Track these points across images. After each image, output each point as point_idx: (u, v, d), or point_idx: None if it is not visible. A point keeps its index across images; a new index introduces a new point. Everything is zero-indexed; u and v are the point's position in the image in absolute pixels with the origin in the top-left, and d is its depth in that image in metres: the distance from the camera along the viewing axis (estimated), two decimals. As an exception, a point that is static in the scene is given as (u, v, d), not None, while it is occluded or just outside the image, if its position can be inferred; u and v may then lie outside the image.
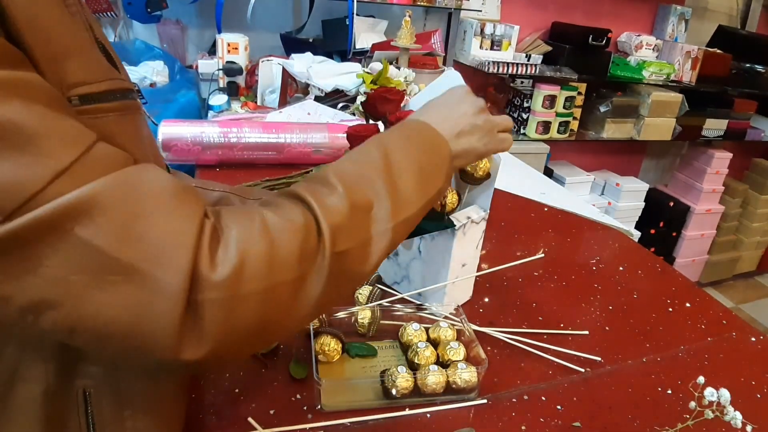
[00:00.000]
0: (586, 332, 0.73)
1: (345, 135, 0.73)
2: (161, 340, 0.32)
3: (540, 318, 0.75)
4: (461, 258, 0.70)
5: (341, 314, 0.67)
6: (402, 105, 0.73)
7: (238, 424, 0.54)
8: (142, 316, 0.31)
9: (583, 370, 0.66)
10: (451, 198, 0.66)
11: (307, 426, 0.54)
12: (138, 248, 0.31)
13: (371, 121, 0.74)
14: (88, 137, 0.32)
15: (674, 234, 2.95)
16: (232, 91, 1.60)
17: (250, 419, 0.54)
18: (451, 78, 0.70)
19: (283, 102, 1.53)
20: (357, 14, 1.79)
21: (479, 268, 0.78)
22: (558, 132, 2.45)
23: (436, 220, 0.68)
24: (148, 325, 0.31)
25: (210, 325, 0.33)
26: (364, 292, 0.71)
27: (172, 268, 0.31)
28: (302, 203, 0.41)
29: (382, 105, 0.71)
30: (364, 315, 0.65)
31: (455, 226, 0.66)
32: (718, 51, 2.57)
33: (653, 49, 2.59)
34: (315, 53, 1.59)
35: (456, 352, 0.60)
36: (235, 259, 0.33)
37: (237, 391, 0.57)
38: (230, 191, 0.71)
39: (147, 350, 0.32)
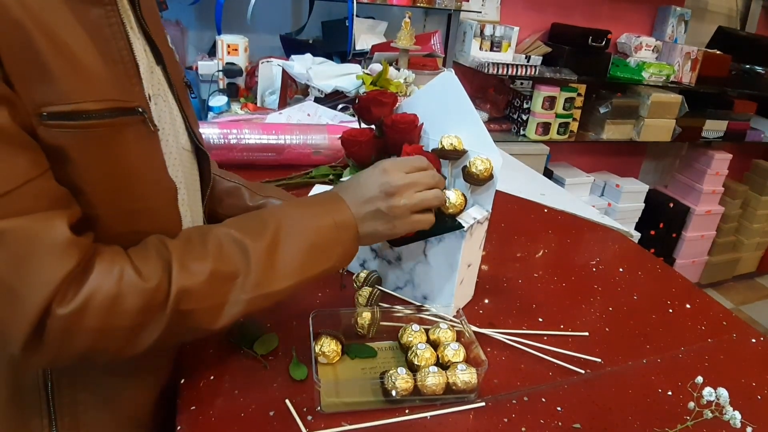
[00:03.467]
0: (586, 333, 0.73)
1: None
2: (12, 342, 0.42)
3: (540, 319, 0.75)
4: (467, 259, 0.70)
5: (343, 311, 0.67)
6: (395, 107, 0.73)
7: (237, 425, 0.54)
8: (5, 321, 0.42)
9: (583, 371, 0.66)
10: (459, 200, 0.66)
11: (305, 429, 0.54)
12: (19, 277, 0.41)
13: (364, 125, 0.74)
14: (24, 174, 0.41)
15: (674, 235, 2.95)
16: (231, 92, 1.60)
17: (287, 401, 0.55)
18: (447, 79, 0.70)
19: (283, 103, 1.53)
20: (357, 15, 1.79)
21: (480, 269, 0.78)
22: (558, 133, 2.45)
23: (441, 223, 0.68)
24: (7, 327, 0.42)
25: (49, 344, 0.43)
26: (363, 293, 0.71)
27: (34, 296, 0.41)
28: (166, 264, 0.47)
29: (375, 108, 0.71)
30: (364, 316, 0.65)
31: (464, 228, 0.66)
32: (718, 52, 2.57)
33: (653, 50, 2.60)
34: (315, 54, 1.59)
35: (456, 353, 0.60)
36: (80, 301, 0.43)
37: (236, 392, 0.57)
38: (244, 185, 0.84)
39: (4, 344, 0.44)
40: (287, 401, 0.56)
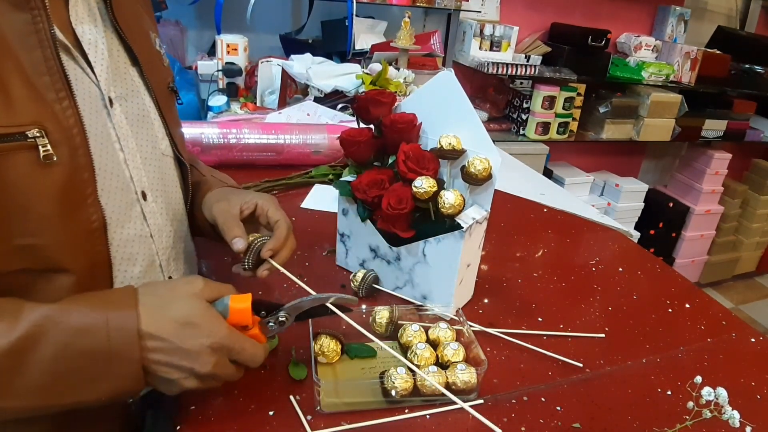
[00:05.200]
0: (586, 333, 0.73)
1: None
2: None
3: (540, 319, 0.75)
4: (467, 259, 0.70)
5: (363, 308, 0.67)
6: (394, 107, 0.73)
7: (237, 425, 0.54)
8: None
9: (582, 371, 0.66)
10: (457, 200, 0.66)
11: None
12: None
13: (363, 125, 0.74)
14: None
15: (674, 235, 2.95)
16: (231, 92, 1.60)
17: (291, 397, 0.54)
18: (446, 78, 0.70)
19: (283, 103, 1.53)
20: (356, 15, 1.79)
21: (479, 269, 0.78)
22: (557, 133, 2.45)
23: (440, 224, 0.68)
24: None
25: None
26: (358, 276, 0.74)
27: None
28: None
29: (374, 108, 0.71)
30: (381, 315, 0.65)
31: (463, 228, 0.66)
32: (718, 52, 2.57)
33: (652, 50, 2.60)
34: (314, 54, 1.59)
35: (455, 353, 0.60)
36: None
37: (236, 392, 0.57)
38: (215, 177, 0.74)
39: None
40: (291, 397, 0.56)
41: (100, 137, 0.51)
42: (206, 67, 1.61)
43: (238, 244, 0.59)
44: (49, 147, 0.45)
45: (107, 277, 0.53)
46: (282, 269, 0.60)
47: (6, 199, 0.44)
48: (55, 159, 0.45)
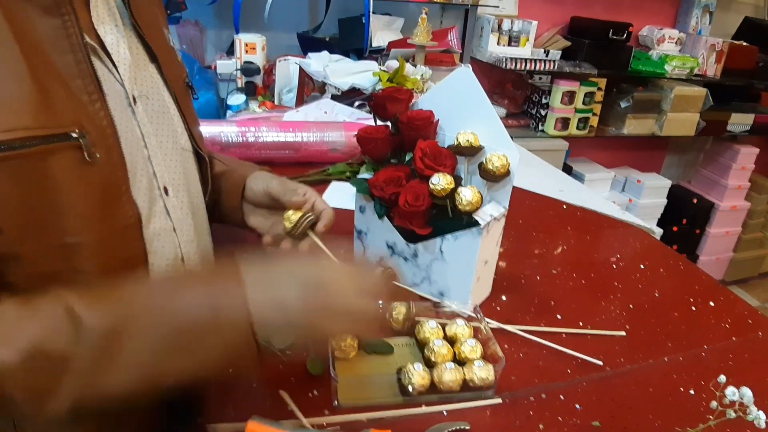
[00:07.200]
0: (607, 331, 0.72)
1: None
2: None
3: (558, 316, 0.74)
4: (484, 256, 0.70)
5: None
6: (411, 104, 0.73)
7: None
8: None
9: (603, 369, 0.65)
10: (475, 197, 0.66)
11: (324, 420, 0.54)
12: None
13: (380, 122, 0.74)
14: None
15: (698, 231, 2.89)
16: (249, 90, 1.62)
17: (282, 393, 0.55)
18: (463, 75, 0.70)
19: (300, 101, 1.54)
20: (373, 12, 1.79)
21: (497, 266, 0.77)
22: (577, 128, 2.42)
23: (458, 221, 0.68)
24: None
25: None
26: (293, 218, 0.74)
27: None
28: None
29: (391, 105, 0.71)
30: (398, 311, 0.66)
31: (480, 225, 0.66)
32: (744, 43, 2.51)
33: (676, 43, 2.54)
34: (331, 52, 1.60)
35: (473, 349, 0.60)
36: None
37: (255, 386, 0.58)
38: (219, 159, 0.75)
39: None
40: (309, 393, 0.57)
41: (128, 135, 0.52)
42: (225, 66, 1.63)
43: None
44: (90, 147, 0.46)
45: (143, 272, 0.55)
46: (323, 247, 0.63)
47: (51, 199, 0.45)
48: (97, 156, 0.47)
